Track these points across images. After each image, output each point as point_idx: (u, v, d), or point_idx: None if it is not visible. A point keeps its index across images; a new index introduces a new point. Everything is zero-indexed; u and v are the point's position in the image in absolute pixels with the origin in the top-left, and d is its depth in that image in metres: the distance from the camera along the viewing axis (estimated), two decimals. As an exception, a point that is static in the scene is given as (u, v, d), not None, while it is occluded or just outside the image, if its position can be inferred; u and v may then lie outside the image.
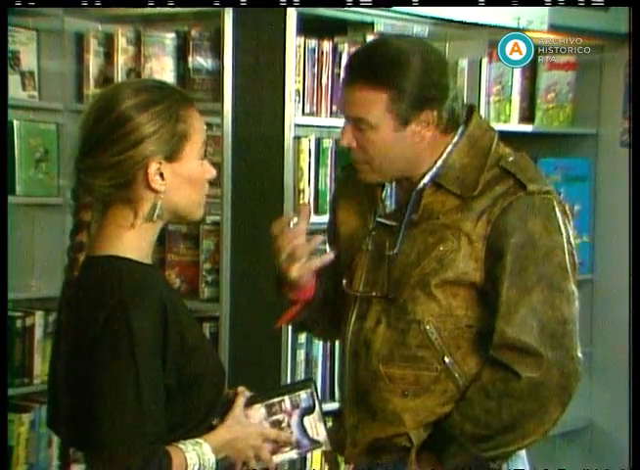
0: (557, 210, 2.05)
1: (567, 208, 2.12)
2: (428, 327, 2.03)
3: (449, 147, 2.09)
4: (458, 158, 2.07)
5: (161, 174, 1.75)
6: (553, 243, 2.03)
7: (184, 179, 1.78)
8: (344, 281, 2.16)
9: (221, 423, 1.85)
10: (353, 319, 2.12)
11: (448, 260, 2.02)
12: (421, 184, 2.08)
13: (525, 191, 2.02)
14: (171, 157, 1.76)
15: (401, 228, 2.08)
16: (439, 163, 2.08)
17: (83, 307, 1.74)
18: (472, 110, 2.14)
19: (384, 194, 2.15)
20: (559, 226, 2.04)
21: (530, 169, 2.08)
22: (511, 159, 2.08)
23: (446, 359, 2.04)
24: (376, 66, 2.02)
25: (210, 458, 1.77)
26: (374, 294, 2.09)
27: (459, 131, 2.10)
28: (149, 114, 1.74)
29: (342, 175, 2.35)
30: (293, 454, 1.94)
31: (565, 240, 2.05)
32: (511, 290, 1.99)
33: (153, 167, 1.75)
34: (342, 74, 2.11)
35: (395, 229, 2.09)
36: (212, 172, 1.84)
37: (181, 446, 1.75)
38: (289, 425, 1.94)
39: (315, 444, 1.96)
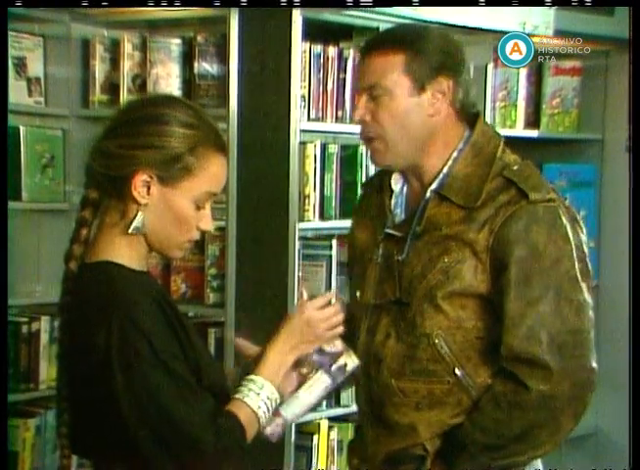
0: (563, 217, 2.01)
1: (576, 214, 2.09)
2: (437, 341, 2.00)
3: (455, 153, 2.07)
4: (462, 167, 2.05)
5: (148, 189, 1.72)
6: (559, 252, 1.99)
7: (169, 210, 1.74)
8: (357, 293, 2.15)
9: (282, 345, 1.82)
10: (364, 333, 2.10)
11: (454, 272, 1.99)
12: (428, 193, 2.06)
13: (528, 200, 1.99)
14: (165, 180, 1.72)
15: (408, 239, 2.06)
16: (445, 169, 2.06)
17: (82, 317, 1.72)
18: (477, 116, 2.12)
19: (392, 203, 2.13)
20: (565, 234, 2.00)
21: (534, 178, 2.05)
22: (515, 167, 2.05)
23: (457, 372, 2.01)
24: (391, 32, 2.12)
25: (269, 392, 1.75)
26: (382, 301, 2.07)
27: (464, 137, 2.09)
28: (177, 131, 1.72)
29: (361, 193, 2.34)
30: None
31: (573, 247, 2.00)
32: (516, 302, 1.96)
33: (141, 177, 1.71)
34: (359, 54, 2.14)
35: (402, 240, 2.07)
36: (208, 225, 1.78)
37: (237, 395, 1.73)
38: None
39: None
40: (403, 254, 2.06)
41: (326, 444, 3.42)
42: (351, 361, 1.91)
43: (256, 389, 1.74)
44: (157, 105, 1.76)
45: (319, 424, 3.39)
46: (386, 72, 2.02)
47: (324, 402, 3.41)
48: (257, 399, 1.74)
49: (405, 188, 2.13)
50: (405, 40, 2.03)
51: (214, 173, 1.76)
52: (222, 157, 1.77)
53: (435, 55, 2.03)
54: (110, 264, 1.74)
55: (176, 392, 1.65)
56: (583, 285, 2.01)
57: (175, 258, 1.82)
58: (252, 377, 1.76)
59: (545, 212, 2.00)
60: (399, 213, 2.12)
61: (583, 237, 2.06)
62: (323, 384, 1.87)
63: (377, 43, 2.06)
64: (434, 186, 2.06)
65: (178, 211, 1.74)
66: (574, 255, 2.00)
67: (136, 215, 1.73)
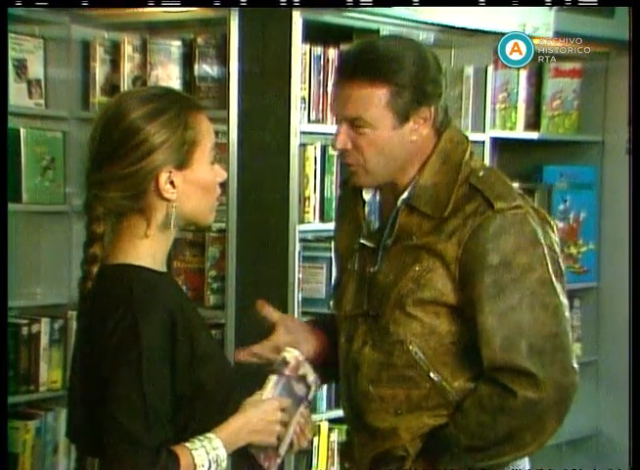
0: (531, 222, 1.98)
1: (546, 215, 2.06)
2: (411, 347, 2.00)
3: (426, 163, 2.04)
4: (429, 176, 2.03)
5: (172, 182, 1.75)
6: (529, 259, 1.96)
7: (195, 185, 1.78)
8: (334, 302, 2.16)
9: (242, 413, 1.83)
10: (343, 341, 2.11)
11: (425, 280, 1.98)
12: (399, 203, 2.04)
13: (493, 210, 1.96)
14: (182, 165, 1.76)
15: (379, 250, 2.06)
16: (416, 178, 2.03)
17: (96, 316, 1.74)
18: (447, 122, 2.08)
19: (366, 211, 2.11)
20: (535, 239, 1.98)
21: (499, 185, 2.02)
22: (481, 173, 2.02)
23: (434, 377, 2.00)
24: (373, 62, 1.98)
25: (220, 453, 1.74)
26: (358, 312, 2.07)
27: (434, 146, 2.05)
28: (157, 123, 1.74)
29: (341, 194, 2.33)
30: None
31: (545, 251, 1.98)
32: (492, 314, 1.94)
33: (163, 177, 1.74)
34: (334, 75, 2.08)
35: (376, 250, 2.06)
36: (223, 175, 1.83)
37: (188, 444, 1.73)
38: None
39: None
40: (376, 265, 2.05)
41: (326, 445, 3.42)
42: (292, 356, 1.94)
43: (209, 447, 1.74)
44: (124, 115, 1.75)
45: (319, 426, 3.39)
46: (368, 106, 1.97)
47: (324, 404, 3.42)
48: (205, 457, 1.73)
49: (377, 196, 2.12)
50: (388, 72, 1.96)
51: (208, 129, 1.80)
52: (201, 110, 1.81)
53: (418, 87, 1.98)
54: (130, 267, 1.75)
55: (137, 412, 1.67)
56: (558, 286, 1.99)
57: (210, 223, 1.85)
58: (211, 436, 1.76)
59: (512, 220, 1.97)
60: (374, 220, 2.11)
61: (555, 237, 2.04)
62: (272, 381, 1.91)
63: (357, 72, 1.98)
64: (404, 196, 2.04)
65: (203, 181, 1.79)
66: (547, 258, 1.98)
67: (170, 213, 1.76)
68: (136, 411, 1.67)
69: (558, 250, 2.04)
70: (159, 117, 1.74)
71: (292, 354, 1.93)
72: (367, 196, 2.12)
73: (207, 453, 1.73)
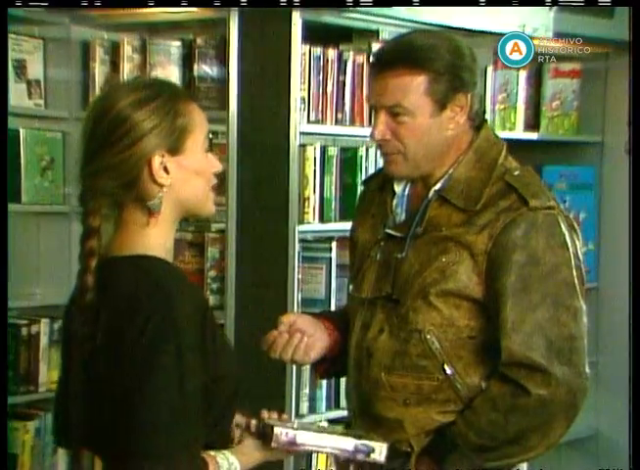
0: (562, 224, 2.03)
1: (574, 222, 2.10)
2: (428, 336, 2.02)
3: (460, 157, 2.09)
4: (464, 170, 2.07)
5: (166, 168, 1.74)
6: (557, 259, 2.00)
7: (189, 172, 1.76)
8: (352, 288, 2.18)
9: (262, 446, 1.85)
10: (358, 329, 2.13)
11: (450, 272, 2.01)
12: (430, 194, 2.08)
13: (528, 207, 2.00)
14: (174, 150, 1.74)
15: (407, 239, 2.08)
16: (450, 172, 2.08)
17: (114, 309, 1.69)
18: (483, 121, 2.14)
19: (394, 204, 2.15)
20: (564, 241, 2.02)
21: (534, 185, 2.07)
22: (516, 173, 2.07)
23: (447, 369, 2.03)
24: (410, 50, 2.04)
25: None
26: (379, 295, 2.09)
27: (471, 142, 2.10)
28: (146, 110, 1.72)
29: (362, 190, 2.35)
30: None
31: (571, 255, 2.02)
32: (515, 308, 1.97)
33: (156, 161, 1.73)
34: (370, 66, 2.13)
35: (402, 240, 2.09)
36: (218, 166, 1.82)
37: (219, 459, 1.75)
38: None
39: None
40: (403, 252, 2.07)
41: (326, 446, 3.42)
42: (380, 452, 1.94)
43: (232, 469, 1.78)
44: (113, 104, 1.74)
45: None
46: (406, 93, 2.02)
47: (323, 405, 3.43)
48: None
49: (407, 189, 2.15)
50: (425, 60, 2.02)
51: (200, 118, 1.79)
52: (192, 100, 1.81)
53: (455, 74, 2.03)
54: (150, 258, 1.73)
55: (177, 409, 1.65)
56: (579, 292, 2.03)
57: (211, 214, 1.84)
58: (228, 456, 1.78)
59: (545, 220, 2.01)
60: (400, 213, 2.14)
61: (579, 244, 2.08)
62: (343, 441, 1.90)
63: (394, 60, 2.03)
64: (437, 187, 2.08)
65: (197, 168, 1.77)
66: (572, 262, 2.03)
67: (159, 198, 1.74)
68: (176, 408, 1.64)
69: (581, 257, 2.07)
70: (147, 104, 1.73)
71: (380, 447, 1.91)
72: (398, 188, 2.15)
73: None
